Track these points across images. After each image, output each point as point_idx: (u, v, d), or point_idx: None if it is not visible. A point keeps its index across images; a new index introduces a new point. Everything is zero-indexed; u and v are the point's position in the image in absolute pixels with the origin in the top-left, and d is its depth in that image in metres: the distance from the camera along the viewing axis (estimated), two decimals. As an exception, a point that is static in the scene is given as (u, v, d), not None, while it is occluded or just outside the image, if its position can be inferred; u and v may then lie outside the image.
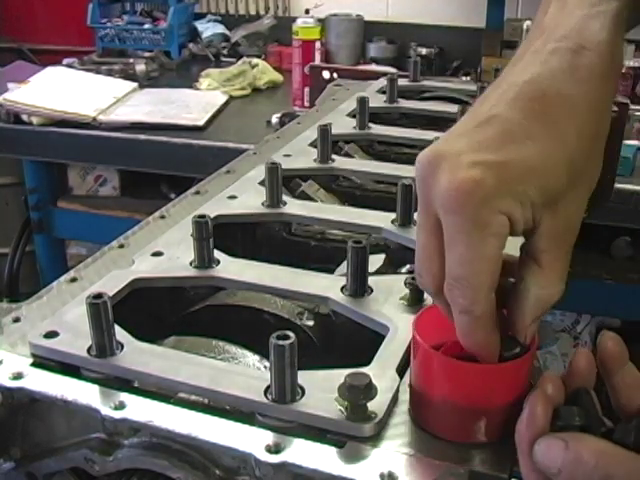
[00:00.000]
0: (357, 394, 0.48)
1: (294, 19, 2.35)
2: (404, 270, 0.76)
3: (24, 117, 2.04)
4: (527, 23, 2.29)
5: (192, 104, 2.20)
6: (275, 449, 0.47)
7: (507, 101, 0.48)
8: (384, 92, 1.21)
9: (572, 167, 0.48)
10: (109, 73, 2.46)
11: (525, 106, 0.48)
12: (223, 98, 2.29)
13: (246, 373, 0.55)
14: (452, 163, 0.46)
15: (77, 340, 0.56)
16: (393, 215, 0.78)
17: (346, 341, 0.69)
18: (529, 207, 0.46)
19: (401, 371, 0.53)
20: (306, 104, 2.12)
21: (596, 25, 0.50)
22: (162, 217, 0.82)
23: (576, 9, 0.52)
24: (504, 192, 0.45)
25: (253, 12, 2.99)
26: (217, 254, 0.70)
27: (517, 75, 0.51)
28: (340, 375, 0.49)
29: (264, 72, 2.50)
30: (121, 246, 0.76)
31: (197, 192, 0.89)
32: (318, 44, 2.30)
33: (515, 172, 0.46)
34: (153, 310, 0.73)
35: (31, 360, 0.56)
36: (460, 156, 0.46)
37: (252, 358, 0.61)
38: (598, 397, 0.48)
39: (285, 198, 0.83)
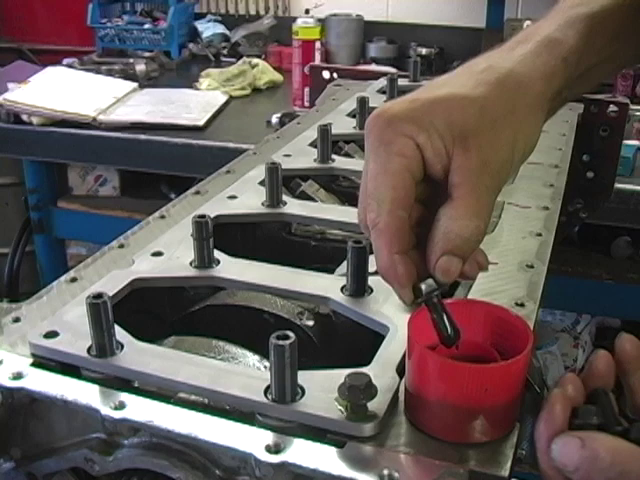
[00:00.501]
0: (357, 394, 0.48)
1: (294, 19, 2.35)
2: (404, 270, 0.76)
3: (24, 117, 2.04)
4: (527, 23, 2.29)
5: (192, 104, 2.20)
6: (275, 449, 0.47)
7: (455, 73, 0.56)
8: (384, 92, 1.21)
9: (484, 110, 0.52)
10: (109, 73, 2.46)
11: (460, 71, 0.56)
12: (223, 98, 2.29)
13: (246, 373, 0.55)
14: (383, 105, 0.53)
15: (77, 340, 0.56)
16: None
17: (346, 341, 0.69)
18: (437, 137, 0.50)
19: (401, 371, 0.53)
20: (306, 104, 2.12)
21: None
22: (162, 217, 0.82)
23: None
24: (409, 118, 0.51)
25: (253, 12, 2.99)
26: (217, 254, 0.70)
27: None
28: (340, 375, 0.49)
29: (264, 72, 2.50)
30: (121, 246, 0.76)
31: (197, 192, 0.89)
32: (318, 44, 2.30)
33: (424, 105, 0.51)
34: (153, 310, 0.73)
35: (31, 360, 0.56)
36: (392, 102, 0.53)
37: (252, 358, 0.61)
38: (616, 398, 0.50)
39: (285, 198, 0.83)
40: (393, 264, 0.51)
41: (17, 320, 0.62)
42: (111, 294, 0.59)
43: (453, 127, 0.51)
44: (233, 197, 0.85)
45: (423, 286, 0.51)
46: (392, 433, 0.49)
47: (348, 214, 0.83)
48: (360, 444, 0.48)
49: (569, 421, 0.48)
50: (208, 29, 2.94)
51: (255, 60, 2.56)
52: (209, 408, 0.53)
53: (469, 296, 0.66)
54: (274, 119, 2.00)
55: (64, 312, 0.61)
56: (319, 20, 2.37)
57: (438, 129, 0.50)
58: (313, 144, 1.00)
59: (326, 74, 1.43)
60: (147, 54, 2.77)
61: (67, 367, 0.55)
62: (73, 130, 2.02)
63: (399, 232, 0.50)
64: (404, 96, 0.54)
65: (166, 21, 2.83)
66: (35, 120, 2.03)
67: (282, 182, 0.82)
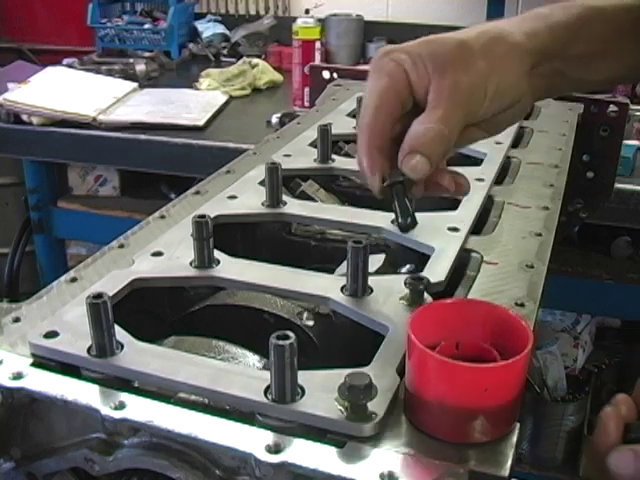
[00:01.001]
0: (357, 394, 0.48)
1: (294, 19, 2.35)
2: (404, 270, 0.76)
3: (24, 117, 2.04)
4: (527, 23, 2.29)
5: (192, 104, 2.20)
6: (275, 449, 0.47)
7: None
8: (384, 92, 1.20)
9: (463, 45, 0.62)
10: (109, 73, 2.46)
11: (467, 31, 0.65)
12: (223, 98, 2.29)
13: (246, 373, 0.55)
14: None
15: (77, 340, 0.56)
16: (393, 215, 0.78)
17: (346, 341, 0.69)
18: (421, 65, 0.61)
19: (401, 371, 0.53)
20: (306, 104, 2.12)
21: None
22: (162, 217, 0.82)
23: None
24: (402, 50, 0.63)
25: (253, 12, 2.99)
26: (217, 254, 0.70)
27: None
28: (340, 375, 0.49)
29: (264, 72, 2.50)
30: (121, 246, 0.76)
31: (197, 192, 0.89)
32: (318, 44, 2.30)
33: (416, 43, 0.63)
34: (153, 310, 0.73)
35: (31, 360, 0.56)
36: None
37: (252, 358, 0.61)
38: None
39: (285, 198, 0.83)
40: (368, 155, 0.62)
41: (17, 320, 0.62)
42: (111, 294, 0.59)
43: (435, 57, 0.61)
44: (233, 197, 0.85)
45: (389, 175, 0.61)
46: (392, 433, 0.49)
47: (348, 214, 0.83)
48: (360, 444, 0.48)
49: (623, 436, 0.55)
50: (208, 29, 2.94)
51: (255, 60, 2.56)
52: (209, 408, 0.53)
53: (469, 296, 0.66)
54: (274, 119, 2.00)
55: (64, 312, 0.61)
56: (319, 20, 2.37)
57: (423, 58, 0.61)
58: (313, 144, 1.00)
59: (326, 74, 1.43)
60: (147, 54, 2.77)
61: (67, 367, 0.55)
62: (73, 130, 2.02)
63: (377, 131, 0.62)
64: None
65: (166, 21, 2.83)
66: (35, 120, 2.03)
67: (282, 182, 0.82)
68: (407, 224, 0.64)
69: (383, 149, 0.62)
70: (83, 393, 0.52)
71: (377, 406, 0.49)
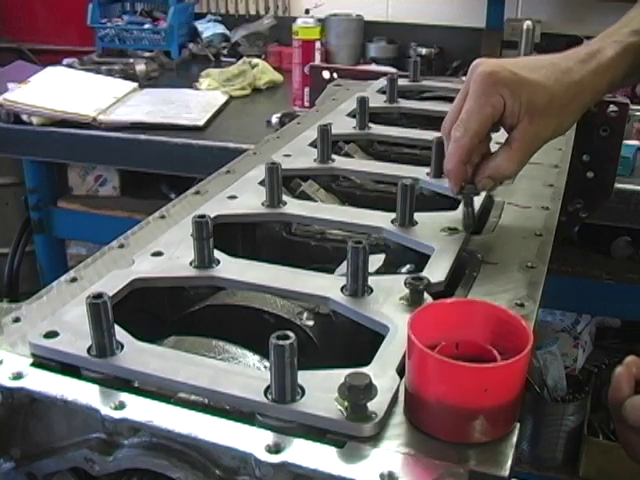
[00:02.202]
0: (357, 394, 0.48)
1: (294, 19, 2.35)
2: (404, 270, 0.76)
3: (24, 117, 2.04)
4: (527, 23, 2.29)
5: (192, 104, 2.20)
6: (275, 449, 0.47)
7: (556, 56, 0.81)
8: (384, 92, 1.21)
9: (552, 101, 0.77)
10: (109, 73, 2.46)
11: (552, 63, 0.80)
12: (223, 98, 2.29)
13: (246, 373, 0.55)
14: (490, 64, 0.77)
15: (77, 340, 0.56)
16: (393, 215, 0.78)
17: (346, 341, 0.69)
18: (517, 105, 0.75)
19: (401, 371, 0.53)
20: (306, 104, 2.12)
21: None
22: (162, 217, 0.82)
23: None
24: (508, 86, 0.75)
25: (253, 12, 2.99)
26: (217, 254, 0.70)
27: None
28: (340, 375, 0.49)
29: (264, 72, 2.50)
30: (121, 246, 0.76)
31: (197, 192, 0.89)
32: (318, 44, 2.30)
33: (519, 81, 0.75)
34: (153, 310, 0.73)
35: (31, 360, 0.56)
36: (501, 65, 0.76)
37: (252, 358, 0.61)
38: None
39: (285, 198, 0.83)
40: (459, 168, 0.76)
41: (17, 320, 0.62)
42: (111, 294, 0.59)
43: (530, 104, 0.75)
44: (233, 197, 0.85)
45: (466, 187, 0.78)
46: (392, 433, 0.49)
47: (348, 214, 0.83)
48: (360, 444, 0.48)
49: (636, 389, 0.70)
50: (208, 29, 2.94)
51: (255, 60, 2.56)
52: (209, 408, 0.53)
53: (469, 296, 0.66)
54: (274, 119, 2.00)
55: (64, 312, 0.61)
56: (319, 20, 2.37)
57: (521, 100, 0.75)
58: (313, 144, 1.00)
59: (326, 74, 1.43)
60: (147, 54, 2.77)
61: (67, 367, 0.55)
62: (73, 130, 2.02)
63: (469, 151, 0.76)
64: (509, 61, 0.79)
65: (166, 21, 2.83)
66: (35, 120, 2.03)
67: (282, 182, 0.82)
68: (471, 224, 0.78)
69: (467, 162, 0.77)
70: (83, 393, 0.52)
71: (377, 406, 0.49)
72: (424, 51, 2.65)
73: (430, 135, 0.98)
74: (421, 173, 0.90)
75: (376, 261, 0.77)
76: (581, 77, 0.79)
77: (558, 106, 0.77)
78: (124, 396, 0.52)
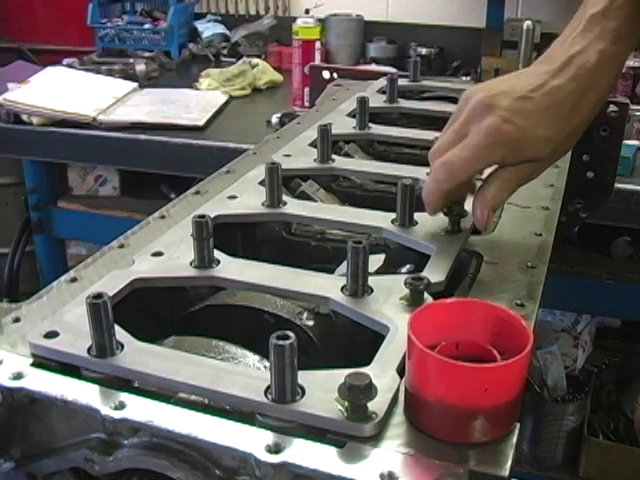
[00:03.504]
0: (357, 394, 0.48)
1: (294, 19, 2.35)
2: (404, 270, 0.76)
3: (24, 117, 2.04)
4: (527, 23, 2.29)
5: (192, 104, 2.20)
6: (275, 449, 0.47)
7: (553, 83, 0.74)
8: (384, 92, 1.21)
9: (553, 151, 0.74)
10: (109, 73, 2.46)
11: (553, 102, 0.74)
12: (223, 98, 2.29)
13: (246, 373, 0.55)
14: (497, 113, 0.72)
15: (77, 340, 0.56)
16: (393, 215, 0.78)
17: (346, 341, 0.69)
18: (518, 161, 0.73)
19: (401, 371, 0.53)
20: (306, 104, 2.12)
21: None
22: (162, 217, 0.82)
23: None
24: (511, 145, 0.72)
25: (253, 12, 3.00)
26: (217, 254, 0.70)
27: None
28: (340, 375, 0.49)
29: (264, 72, 2.50)
30: (121, 246, 0.76)
31: (197, 192, 0.89)
32: (318, 44, 2.30)
33: (525, 140, 0.72)
34: (153, 310, 0.73)
35: (31, 360, 0.56)
36: (503, 111, 0.72)
37: (252, 358, 0.61)
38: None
39: (285, 198, 0.83)
40: (437, 204, 0.75)
41: (17, 320, 0.62)
42: (111, 294, 0.59)
43: (531, 159, 0.73)
44: (233, 197, 0.85)
45: (455, 209, 0.76)
46: (392, 433, 0.49)
47: (348, 214, 0.83)
48: (360, 444, 0.48)
49: None
50: (208, 29, 2.94)
51: (255, 60, 2.56)
52: (209, 408, 0.53)
53: (469, 296, 0.66)
54: (274, 119, 2.00)
55: (64, 312, 0.61)
56: (319, 20, 2.37)
57: (522, 158, 0.73)
58: (313, 144, 1.00)
59: (326, 74, 1.43)
60: (147, 54, 2.77)
61: (67, 367, 0.55)
62: (73, 130, 2.02)
63: (450, 194, 0.74)
64: (506, 86, 0.75)
65: (166, 21, 2.83)
66: (35, 120, 2.03)
67: (282, 182, 0.82)
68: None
69: (447, 200, 0.75)
70: (83, 393, 0.52)
71: (377, 406, 0.49)
72: (424, 51, 2.65)
73: (430, 135, 0.99)
74: (421, 173, 0.90)
75: (376, 261, 0.77)
76: (582, 120, 0.76)
77: (557, 151, 0.76)
78: (124, 396, 0.52)
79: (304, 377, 0.51)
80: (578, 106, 0.74)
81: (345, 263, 0.64)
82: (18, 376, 0.54)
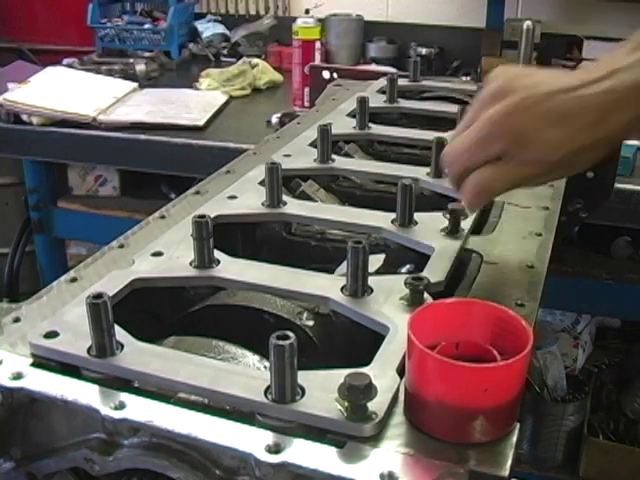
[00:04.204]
0: (357, 394, 0.48)
1: (294, 19, 2.35)
2: (404, 270, 0.76)
3: (24, 117, 2.04)
4: (527, 23, 2.28)
5: (192, 104, 2.20)
6: (275, 449, 0.47)
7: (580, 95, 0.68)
8: (384, 92, 1.21)
9: (562, 158, 0.67)
10: (109, 73, 2.46)
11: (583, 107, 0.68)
12: (223, 98, 2.29)
13: (246, 373, 0.55)
14: (508, 102, 0.67)
15: (77, 340, 0.56)
16: (393, 215, 0.78)
17: (346, 341, 0.69)
18: (519, 155, 0.67)
19: (401, 371, 0.53)
20: (306, 104, 2.12)
21: None
22: (162, 217, 0.82)
23: None
24: (518, 136, 0.67)
25: (253, 12, 2.99)
26: (217, 254, 0.70)
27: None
28: (340, 375, 0.49)
29: (264, 72, 2.50)
30: (121, 246, 0.76)
31: (197, 192, 0.89)
32: (318, 44, 2.30)
33: (532, 138, 0.67)
34: (153, 310, 0.73)
35: (31, 360, 0.56)
36: (516, 101, 0.67)
37: (252, 358, 0.61)
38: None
39: (285, 198, 0.83)
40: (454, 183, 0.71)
41: (17, 320, 0.62)
42: (111, 294, 0.59)
43: (534, 158, 0.68)
44: (233, 197, 0.85)
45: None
46: (392, 433, 0.49)
47: (348, 214, 0.83)
48: (360, 444, 0.48)
49: None
50: (208, 29, 2.94)
51: (255, 60, 2.56)
52: (209, 408, 0.53)
53: (469, 296, 0.66)
54: (274, 119, 2.00)
55: (64, 312, 0.61)
56: (319, 20, 2.37)
57: (525, 158, 0.68)
58: (313, 144, 1.00)
59: (326, 74, 1.43)
60: (147, 54, 2.77)
61: (67, 367, 0.55)
62: (73, 130, 2.02)
63: (462, 175, 0.70)
64: (531, 80, 0.69)
65: (166, 21, 2.83)
66: (35, 120, 2.03)
67: (282, 182, 0.82)
68: None
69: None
70: (83, 393, 0.52)
71: (377, 406, 0.49)
72: (424, 51, 2.65)
73: (430, 135, 0.98)
74: (421, 173, 0.90)
75: (376, 261, 0.77)
76: (606, 136, 0.70)
77: (572, 163, 0.70)
78: (124, 396, 0.52)
79: (304, 377, 0.51)
80: (603, 121, 0.68)
81: (345, 263, 0.64)
82: (18, 376, 0.54)
